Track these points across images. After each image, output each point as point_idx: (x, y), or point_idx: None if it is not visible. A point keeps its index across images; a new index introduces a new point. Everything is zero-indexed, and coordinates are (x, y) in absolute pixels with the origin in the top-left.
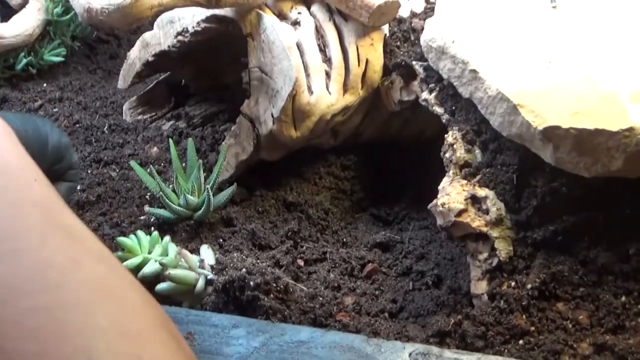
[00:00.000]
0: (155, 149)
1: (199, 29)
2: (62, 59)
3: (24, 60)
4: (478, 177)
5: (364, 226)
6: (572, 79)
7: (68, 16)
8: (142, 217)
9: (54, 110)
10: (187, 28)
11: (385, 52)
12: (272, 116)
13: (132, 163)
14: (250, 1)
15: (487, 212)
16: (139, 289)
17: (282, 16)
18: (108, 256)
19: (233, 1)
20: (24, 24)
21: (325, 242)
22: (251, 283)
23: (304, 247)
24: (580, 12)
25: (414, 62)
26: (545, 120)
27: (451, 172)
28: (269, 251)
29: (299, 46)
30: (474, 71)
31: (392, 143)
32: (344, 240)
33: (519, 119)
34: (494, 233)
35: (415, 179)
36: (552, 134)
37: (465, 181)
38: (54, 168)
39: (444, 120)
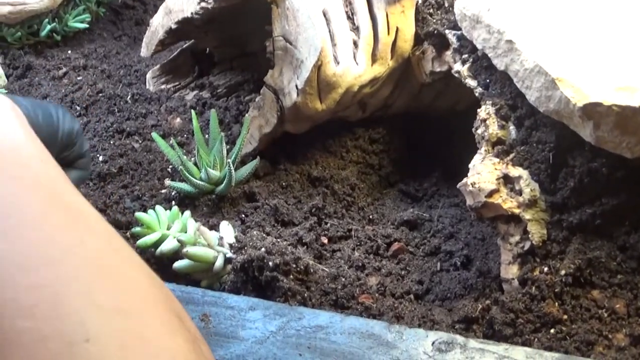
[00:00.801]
0: (178, 119)
1: None
2: (87, 25)
3: (48, 27)
4: (512, 156)
5: (392, 203)
6: (616, 52)
7: None
8: (163, 191)
9: (78, 78)
10: None
11: (416, 19)
12: (297, 87)
13: (154, 135)
14: None
15: (520, 193)
16: (141, 268)
17: None
18: (111, 235)
19: None
20: None
21: (350, 219)
22: (270, 263)
23: (329, 224)
24: None
25: (447, 31)
26: (586, 96)
27: (483, 149)
28: (292, 228)
29: (325, 14)
30: (510, 42)
31: (423, 115)
32: (371, 217)
33: (557, 94)
34: (527, 215)
35: (447, 154)
36: (592, 111)
37: (497, 159)
38: (64, 155)
39: (477, 94)
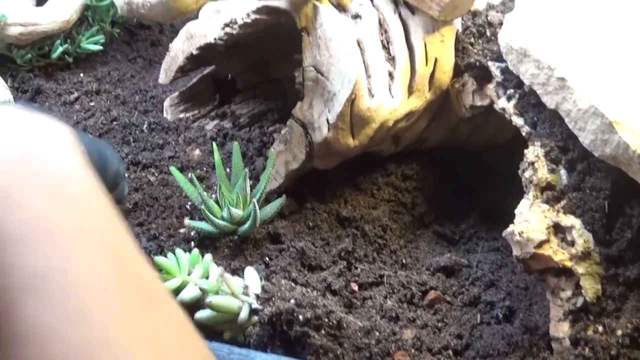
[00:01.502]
0: (197, 151)
1: (248, 20)
2: (101, 47)
3: (60, 49)
4: (563, 203)
5: (426, 245)
6: None
7: (107, 1)
8: (181, 230)
9: (91, 104)
10: (235, 19)
11: (456, 49)
12: (328, 122)
13: (173, 169)
14: None
15: (572, 244)
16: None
17: (341, 7)
18: (182, 322)
19: None
20: (60, 9)
21: (382, 263)
22: (300, 317)
23: (359, 269)
24: None
25: (489, 63)
26: None
27: (531, 194)
28: (319, 272)
29: (359, 43)
30: (561, 79)
31: (460, 149)
32: (404, 261)
33: (614, 139)
34: (580, 269)
35: (486, 192)
36: None
37: (547, 206)
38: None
39: (524, 133)
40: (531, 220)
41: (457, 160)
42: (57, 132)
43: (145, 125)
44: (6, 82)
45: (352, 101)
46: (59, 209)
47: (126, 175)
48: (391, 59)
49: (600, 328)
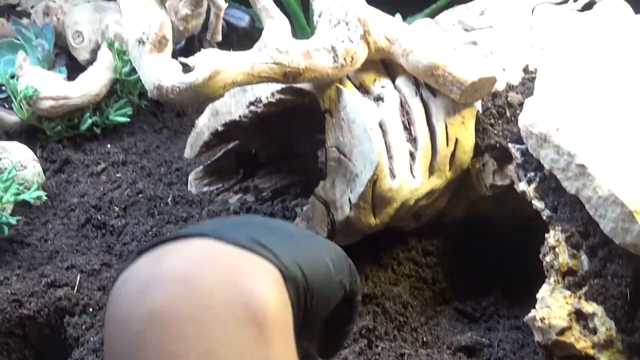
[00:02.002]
0: None
1: (273, 100)
2: (128, 119)
3: (89, 120)
4: (584, 289)
5: (447, 323)
6: None
7: (136, 75)
8: None
9: (117, 175)
10: (260, 98)
11: (477, 130)
12: (350, 201)
13: None
14: (330, 76)
15: (594, 331)
16: None
17: (363, 89)
18: None
19: (311, 76)
20: (91, 83)
21: (403, 341)
22: None
23: (380, 348)
24: None
25: (510, 145)
26: None
27: (552, 279)
28: (341, 351)
29: (381, 125)
30: (581, 166)
31: (481, 224)
32: (424, 339)
33: (635, 228)
34: (603, 357)
35: (507, 267)
36: None
37: (568, 292)
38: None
39: (544, 217)
40: (553, 306)
41: (479, 234)
42: (265, 271)
43: (169, 198)
44: (35, 153)
45: (374, 182)
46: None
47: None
48: (412, 140)
49: None
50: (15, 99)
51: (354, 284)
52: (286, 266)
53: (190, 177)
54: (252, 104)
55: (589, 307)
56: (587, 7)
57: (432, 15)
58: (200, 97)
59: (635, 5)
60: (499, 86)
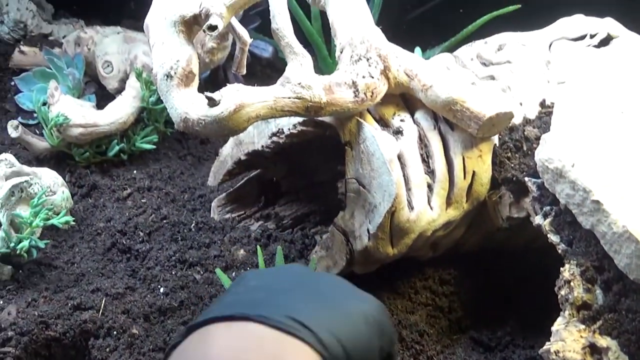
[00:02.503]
0: (242, 251)
1: (295, 131)
2: (153, 146)
3: (117, 147)
4: (599, 323)
5: (463, 352)
6: None
7: (162, 104)
8: None
9: (142, 201)
10: (282, 129)
11: (494, 163)
12: (368, 232)
13: (218, 271)
14: (351, 110)
15: None
16: None
17: (383, 122)
18: None
19: (333, 110)
20: (119, 111)
21: None
22: None
23: None
24: None
25: (526, 179)
26: None
27: (567, 313)
28: None
29: (400, 157)
30: (597, 202)
31: (497, 253)
32: None
33: None
34: None
35: (522, 297)
36: None
37: (583, 326)
38: None
39: (559, 251)
40: (567, 339)
41: (495, 264)
42: (306, 356)
43: (193, 224)
44: (64, 178)
45: (392, 213)
46: None
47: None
48: (430, 172)
49: None
50: (46, 125)
51: (392, 346)
52: (326, 346)
53: (213, 204)
54: (274, 134)
55: (603, 341)
56: (604, 43)
57: (451, 49)
58: (225, 130)
59: None
60: (516, 120)
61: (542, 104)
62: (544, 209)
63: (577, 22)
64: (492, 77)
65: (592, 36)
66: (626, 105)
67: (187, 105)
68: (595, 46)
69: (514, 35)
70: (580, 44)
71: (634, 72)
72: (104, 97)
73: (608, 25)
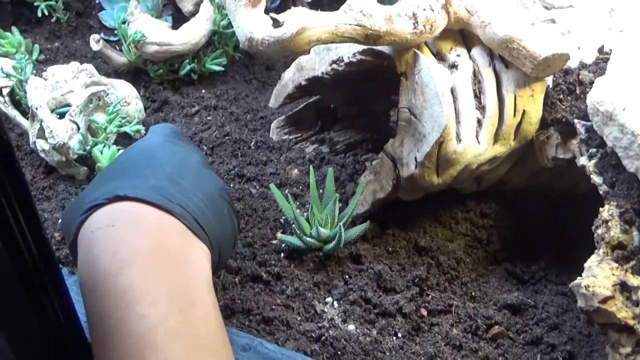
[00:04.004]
0: (296, 171)
1: (354, 60)
2: (222, 68)
3: (188, 67)
4: (632, 263)
5: (496, 281)
6: None
7: (232, 29)
8: (274, 241)
9: (208, 118)
10: (342, 57)
11: (545, 104)
12: (416, 160)
13: (272, 186)
14: (409, 41)
15: (637, 303)
16: None
17: (440, 56)
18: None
19: (391, 40)
20: (192, 33)
21: (452, 293)
22: None
23: (430, 296)
24: None
25: (575, 121)
26: None
27: (601, 251)
28: (393, 295)
29: (453, 91)
30: None
31: (540, 194)
32: (473, 294)
33: None
34: None
35: (559, 238)
36: None
37: (616, 264)
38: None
39: (601, 192)
40: (599, 276)
41: (537, 204)
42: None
43: (252, 143)
44: (139, 92)
45: (440, 143)
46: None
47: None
48: (481, 108)
49: None
50: (125, 42)
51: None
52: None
53: (273, 125)
54: (334, 62)
55: (635, 280)
56: None
57: None
58: (286, 51)
59: None
60: (572, 64)
61: (601, 50)
62: (590, 150)
63: None
64: (553, 21)
65: None
66: None
67: (252, 25)
68: None
69: None
70: None
71: None
72: (179, 19)
73: None
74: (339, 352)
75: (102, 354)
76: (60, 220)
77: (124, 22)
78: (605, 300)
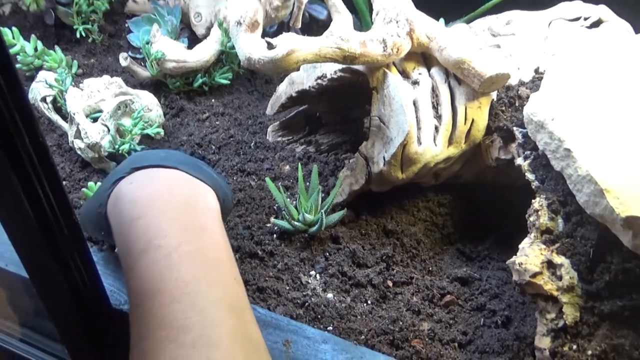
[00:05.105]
0: (287, 167)
1: (335, 76)
2: (228, 81)
3: (200, 80)
4: (557, 245)
5: (449, 259)
6: None
7: None
8: (268, 225)
9: (217, 123)
10: (326, 74)
11: (490, 114)
12: (384, 159)
13: (267, 179)
14: (379, 61)
15: (560, 278)
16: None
17: (404, 74)
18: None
19: (365, 60)
20: (203, 52)
21: (413, 268)
22: None
23: (395, 270)
24: None
25: (514, 128)
26: (629, 208)
27: (533, 235)
28: (365, 269)
29: (415, 103)
30: (568, 150)
31: (486, 187)
32: (430, 269)
33: (603, 202)
34: (564, 298)
35: (501, 223)
36: (633, 222)
37: (544, 246)
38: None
39: (533, 186)
40: (530, 255)
41: (483, 195)
42: (210, 199)
43: (252, 143)
44: (159, 101)
45: (404, 146)
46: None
47: (231, 193)
48: (438, 117)
49: (575, 347)
50: (148, 59)
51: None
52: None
53: (269, 129)
54: (319, 78)
55: (559, 259)
56: (595, 25)
57: (469, 21)
58: (278, 69)
59: (635, 26)
60: (513, 81)
61: (537, 70)
62: (525, 153)
63: (574, 6)
64: (498, 46)
65: (585, 19)
66: (604, 76)
67: (251, 47)
68: (587, 27)
69: (521, 13)
70: (574, 24)
71: (616, 50)
72: (193, 41)
73: (601, 11)
74: (319, 316)
75: (131, 279)
76: (79, 214)
77: (147, 43)
78: (534, 275)
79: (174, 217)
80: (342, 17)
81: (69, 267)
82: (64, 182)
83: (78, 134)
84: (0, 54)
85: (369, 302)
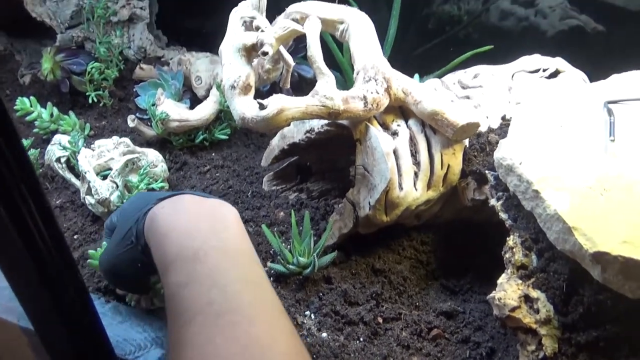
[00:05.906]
0: (282, 213)
1: (322, 130)
2: (227, 136)
3: (201, 136)
4: (532, 280)
5: (435, 294)
6: (625, 208)
7: None
8: (265, 268)
9: (217, 175)
10: (314, 128)
11: (464, 159)
12: (369, 204)
13: (263, 226)
14: (361, 116)
15: (537, 311)
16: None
17: (385, 126)
18: (292, 328)
19: (348, 116)
20: (204, 111)
21: (401, 304)
22: None
23: (384, 307)
24: (638, 144)
25: (486, 171)
26: (596, 244)
27: (509, 270)
28: (357, 307)
29: (395, 152)
30: (536, 191)
31: (465, 224)
32: (417, 304)
33: (572, 239)
34: (542, 330)
35: (481, 257)
36: (601, 258)
37: (520, 281)
38: None
39: (507, 225)
40: (508, 290)
41: (462, 233)
42: (229, 209)
43: (249, 192)
44: (164, 157)
45: (387, 192)
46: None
47: None
48: (417, 164)
49: None
50: (154, 119)
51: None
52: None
53: (264, 179)
54: (308, 132)
55: (535, 293)
56: (553, 75)
57: (441, 76)
58: (270, 126)
59: (590, 76)
60: (483, 129)
61: (503, 118)
62: (498, 194)
63: (534, 60)
64: (468, 97)
65: (544, 70)
66: (564, 121)
67: (244, 108)
68: (546, 77)
69: (487, 67)
70: (535, 76)
71: (572, 97)
72: (195, 101)
73: (558, 63)
74: (315, 356)
75: (167, 275)
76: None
77: (153, 105)
78: (513, 309)
79: (201, 223)
80: (326, 78)
81: (73, 322)
82: (75, 236)
83: (89, 191)
84: (2, 119)
85: (361, 339)
